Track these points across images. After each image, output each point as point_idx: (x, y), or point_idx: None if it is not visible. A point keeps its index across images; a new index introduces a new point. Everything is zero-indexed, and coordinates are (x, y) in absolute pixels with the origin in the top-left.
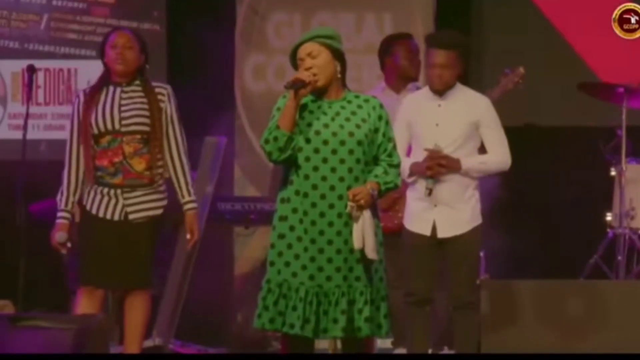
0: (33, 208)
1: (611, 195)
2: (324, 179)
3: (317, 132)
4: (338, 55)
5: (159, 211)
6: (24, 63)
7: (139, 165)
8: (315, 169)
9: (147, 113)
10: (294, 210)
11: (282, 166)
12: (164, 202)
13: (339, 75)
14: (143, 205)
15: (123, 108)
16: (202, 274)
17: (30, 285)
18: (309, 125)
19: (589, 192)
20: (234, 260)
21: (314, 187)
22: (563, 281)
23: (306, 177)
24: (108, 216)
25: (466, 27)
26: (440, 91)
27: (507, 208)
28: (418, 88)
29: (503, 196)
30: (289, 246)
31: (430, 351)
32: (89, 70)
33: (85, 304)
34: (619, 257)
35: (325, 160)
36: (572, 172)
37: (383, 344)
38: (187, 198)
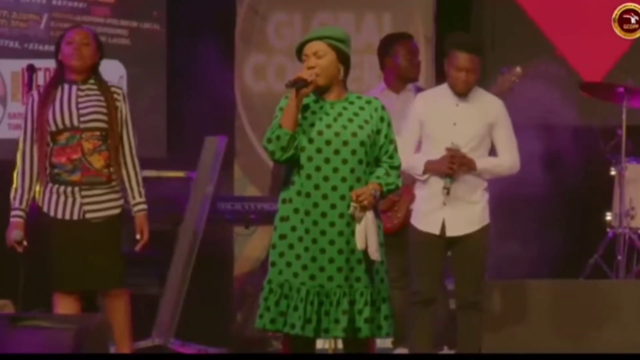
0: (33, 208)
1: (611, 195)
2: (326, 179)
3: (320, 132)
4: (344, 59)
5: (117, 211)
6: (24, 63)
7: (97, 162)
8: (318, 169)
9: (104, 110)
10: (296, 211)
11: (283, 167)
12: (121, 202)
13: (341, 78)
14: (101, 205)
15: (81, 105)
16: (202, 274)
17: (30, 285)
18: (312, 125)
19: (589, 192)
20: (234, 260)
21: (316, 187)
22: (563, 281)
23: (308, 177)
24: (67, 216)
25: (466, 27)
26: (463, 94)
27: (507, 208)
28: (418, 88)
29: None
30: (290, 246)
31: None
32: None
33: (62, 308)
34: (619, 257)
35: (327, 161)
36: (572, 171)
37: (383, 343)
38: (137, 199)
